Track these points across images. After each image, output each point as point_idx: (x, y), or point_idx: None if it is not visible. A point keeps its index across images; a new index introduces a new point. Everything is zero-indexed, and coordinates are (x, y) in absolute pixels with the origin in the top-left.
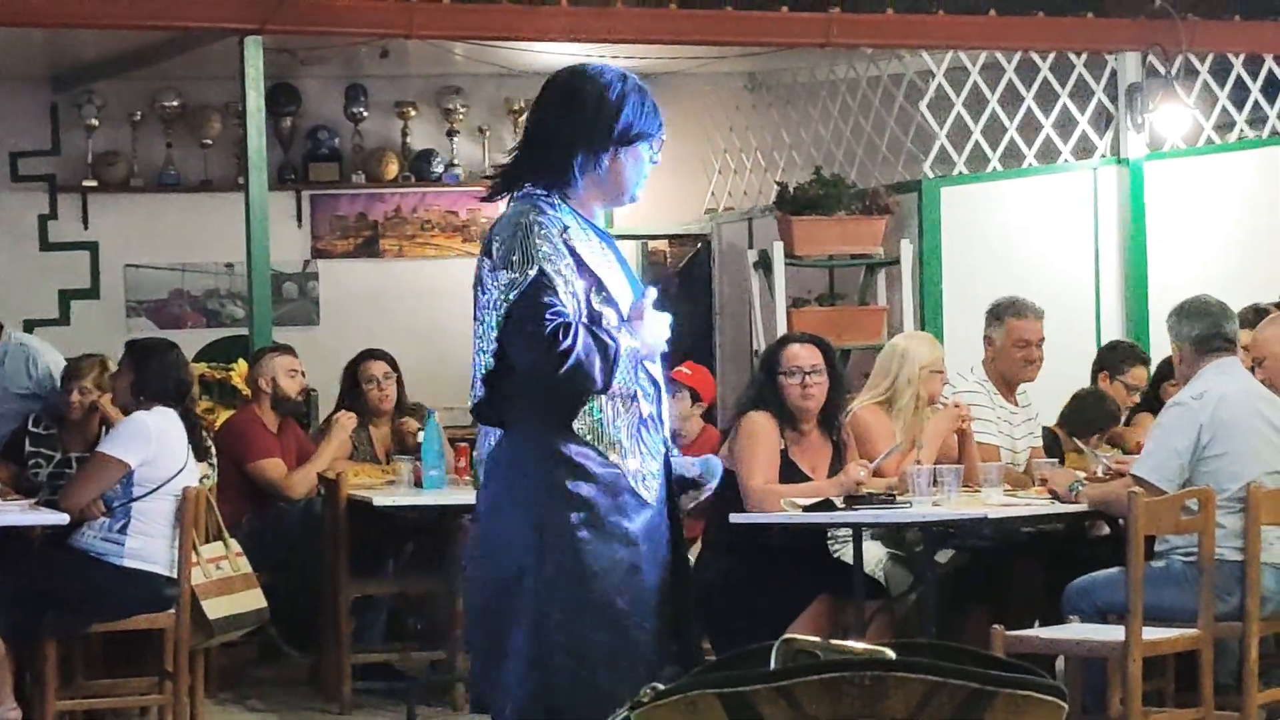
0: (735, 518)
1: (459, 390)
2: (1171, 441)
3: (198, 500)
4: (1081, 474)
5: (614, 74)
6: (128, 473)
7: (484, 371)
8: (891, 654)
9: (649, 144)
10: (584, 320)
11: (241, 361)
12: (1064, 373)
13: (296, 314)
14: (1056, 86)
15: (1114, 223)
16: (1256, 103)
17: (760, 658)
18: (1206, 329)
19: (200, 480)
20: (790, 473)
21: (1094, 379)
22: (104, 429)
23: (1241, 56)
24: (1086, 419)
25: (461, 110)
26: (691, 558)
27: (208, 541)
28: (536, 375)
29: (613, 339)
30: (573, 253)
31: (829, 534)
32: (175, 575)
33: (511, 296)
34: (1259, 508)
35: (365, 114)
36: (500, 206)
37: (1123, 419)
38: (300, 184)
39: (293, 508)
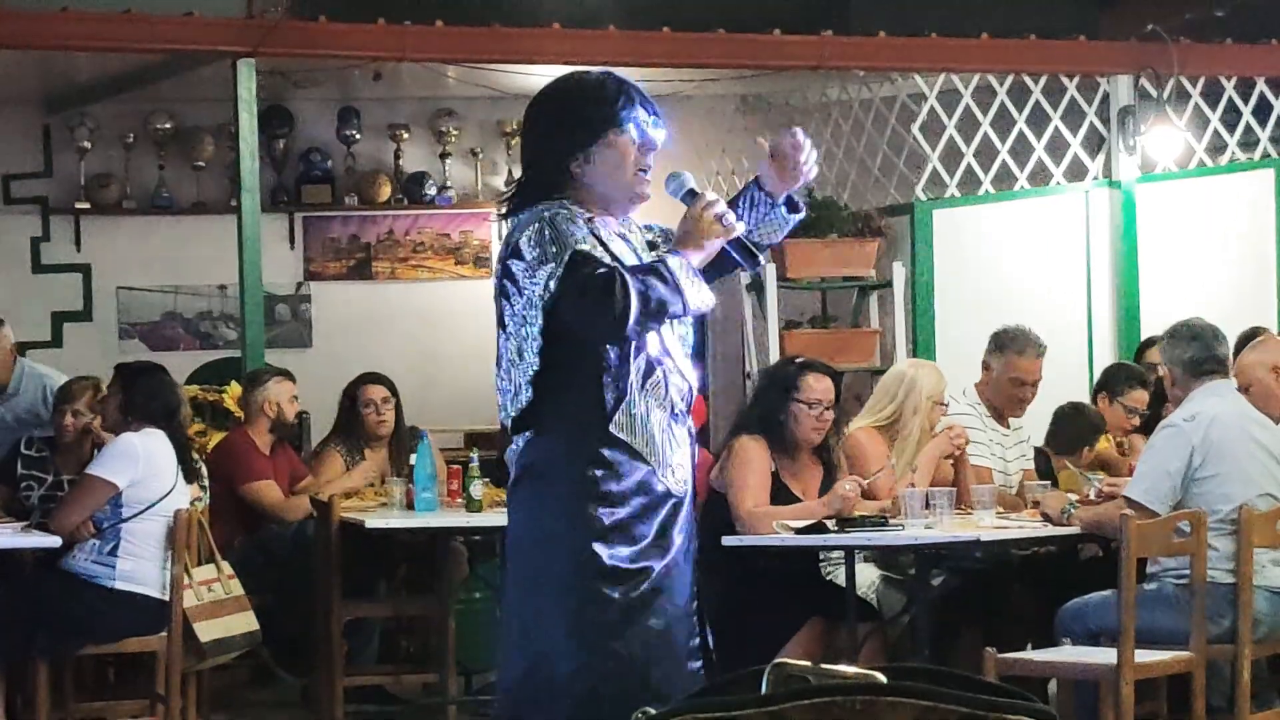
0: (728, 540)
1: (453, 412)
2: (1163, 463)
3: (190, 522)
4: (1074, 496)
5: (575, 76)
6: (116, 494)
7: (532, 373)
8: (883, 678)
9: (625, 134)
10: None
11: (234, 384)
12: (1056, 395)
13: (289, 336)
14: (1049, 109)
15: (1106, 245)
16: (1248, 125)
17: (752, 682)
18: (1198, 352)
19: (192, 502)
20: (782, 495)
21: (1094, 400)
22: (96, 451)
23: (1233, 80)
24: (1069, 435)
25: (454, 133)
26: None
27: (200, 564)
28: (615, 333)
29: (658, 260)
30: (599, 240)
31: (821, 556)
32: (167, 597)
33: (553, 286)
34: (1251, 530)
35: (358, 136)
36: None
37: (1121, 441)
38: (293, 206)
39: (285, 530)
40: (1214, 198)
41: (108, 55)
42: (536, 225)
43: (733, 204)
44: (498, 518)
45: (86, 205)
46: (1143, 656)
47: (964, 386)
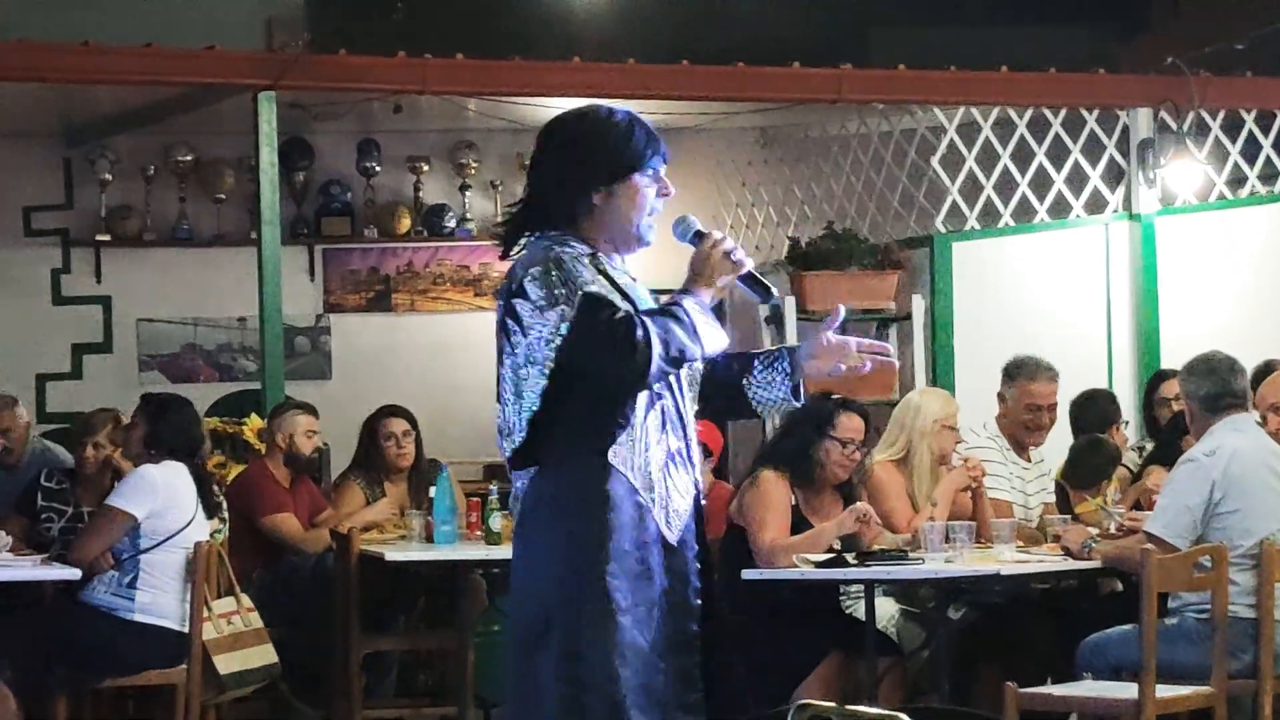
0: (747, 574)
1: (472, 445)
2: (1184, 498)
3: (209, 555)
4: (1094, 531)
5: (603, 110)
6: (134, 525)
7: (529, 414)
8: (905, 718)
9: (646, 176)
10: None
11: (254, 416)
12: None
13: (309, 368)
14: (1068, 142)
15: (1126, 278)
16: (1268, 158)
17: None
18: (1214, 387)
19: (212, 535)
20: (802, 530)
21: (1104, 432)
22: (116, 483)
23: (1253, 112)
24: (1089, 468)
25: (474, 165)
26: None
27: (219, 596)
28: (636, 382)
29: (674, 303)
30: (609, 279)
31: (841, 590)
32: (186, 630)
33: (564, 330)
34: (1272, 565)
35: (378, 169)
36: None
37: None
38: (313, 238)
39: (304, 562)
40: (1234, 230)
41: (129, 88)
42: (542, 265)
43: (754, 356)
44: None
45: (107, 237)
46: (1164, 692)
47: (984, 420)
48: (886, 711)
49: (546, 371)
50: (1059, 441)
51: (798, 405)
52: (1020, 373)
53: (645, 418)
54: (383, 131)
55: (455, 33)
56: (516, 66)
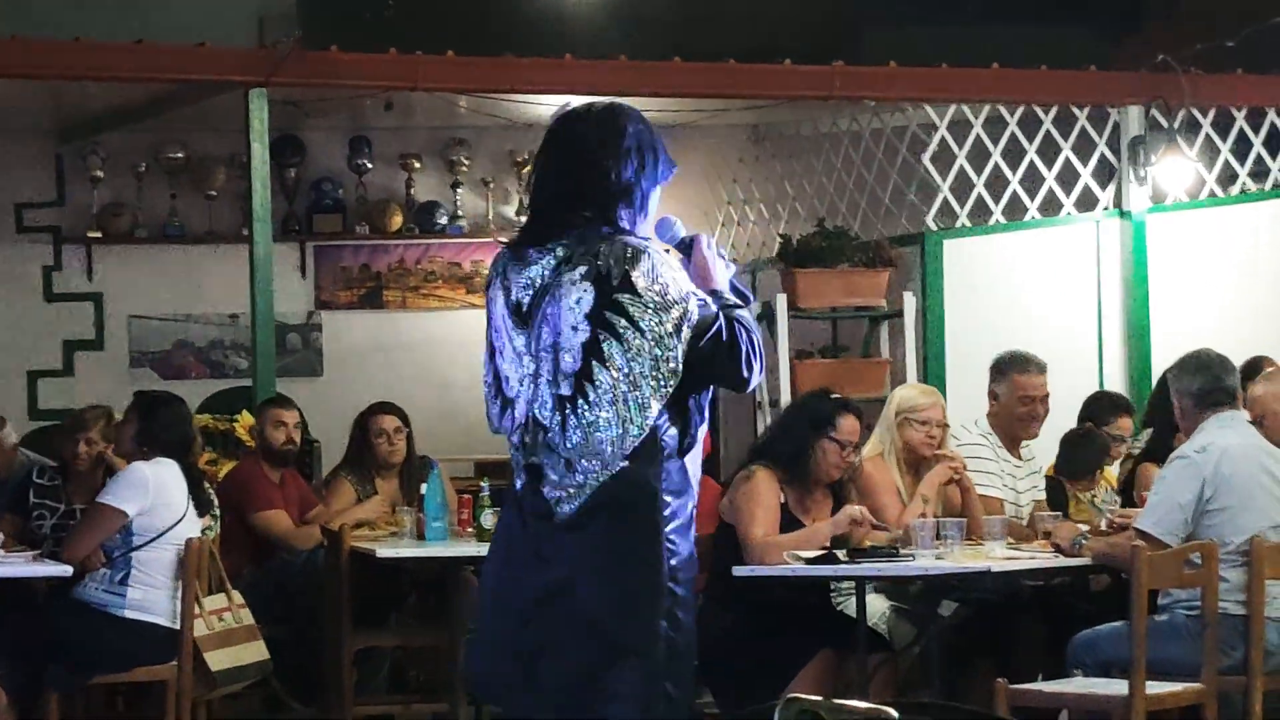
0: (738, 570)
1: (463, 441)
2: (1174, 495)
3: (200, 552)
4: (1085, 528)
5: (639, 114)
6: (126, 522)
7: (648, 408)
8: (895, 713)
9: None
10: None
11: (245, 413)
12: (1067, 425)
13: (300, 365)
14: (1059, 140)
15: (1117, 275)
16: (1259, 156)
17: (764, 717)
18: (1206, 384)
19: (203, 532)
20: (791, 527)
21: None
22: (108, 479)
23: (1244, 110)
24: (1080, 460)
25: (466, 162)
26: None
27: (210, 593)
28: (742, 385)
29: (735, 306)
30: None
31: (832, 587)
32: (178, 627)
33: (685, 331)
34: (1262, 562)
35: (369, 166)
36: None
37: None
38: (304, 235)
39: (295, 559)
40: (1225, 228)
41: (120, 85)
42: (649, 260)
43: None
44: None
45: (98, 234)
46: (1154, 688)
47: (975, 417)
48: (873, 705)
49: (674, 369)
50: (1049, 440)
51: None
52: (1011, 367)
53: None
54: (374, 128)
55: (446, 30)
56: (508, 63)
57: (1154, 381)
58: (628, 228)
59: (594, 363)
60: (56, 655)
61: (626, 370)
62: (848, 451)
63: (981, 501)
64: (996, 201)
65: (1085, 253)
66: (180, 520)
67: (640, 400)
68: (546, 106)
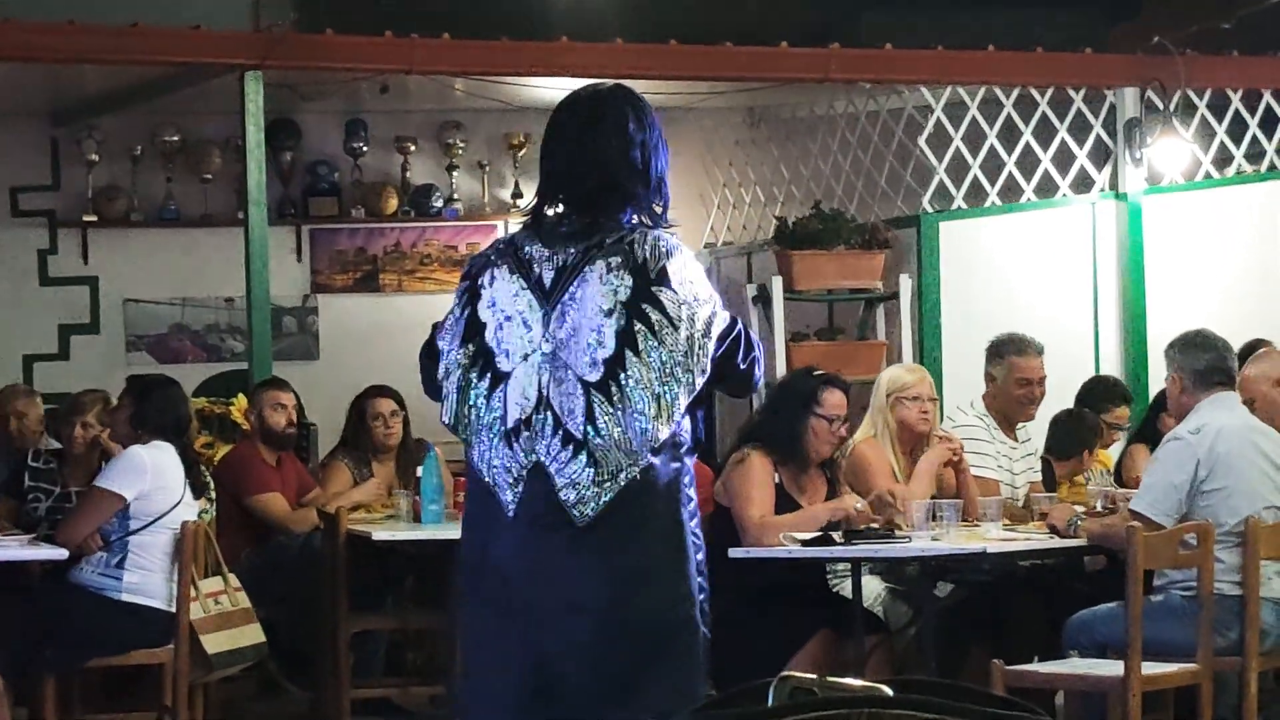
0: (734, 552)
1: None
2: (1169, 476)
3: (197, 535)
4: (1080, 509)
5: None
6: (123, 506)
7: (678, 402)
8: (889, 691)
9: None
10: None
11: (241, 396)
12: (1062, 408)
13: (296, 348)
14: (1055, 122)
15: (1112, 257)
16: (1254, 138)
17: (757, 695)
18: (1211, 362)
19: (199, 515)
20: (787, 508)
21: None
22: (103, 463)
23: (1239, 92)
24: (1069, 440)
25: (461, 145)
26: None
27: (206, 576)
28: (753, 383)
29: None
30: None
31: (828, 569)
32: (174, 610)
33: (714, 329)
34: (1258, 542)
35: (365, 149)
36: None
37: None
38: (300, 219)
39: (292, 542)
40: (1221, 210)
41: (115, 68)
42: (681, 257)
43: None
44: None
45: (94, 218)
46: (1150, 669)
47: (971, 399)
48: (868, 683)
49: (704, 368)
50: (1044, 423)
51: None
52: (1008, 349)
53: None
54: (370, 111)
55: (442, 13)
56: (503, 47)
57: (1150, 363)
58: (661, 218)
59: (628, 351)
60: (52, 638)
61: (661, 364)
62: (836, 426)
63: (977, 483)
64: (992, 184)
65: (1081, 235)
66: (177, 504)
67: (673, 395)
68: (542, 89)
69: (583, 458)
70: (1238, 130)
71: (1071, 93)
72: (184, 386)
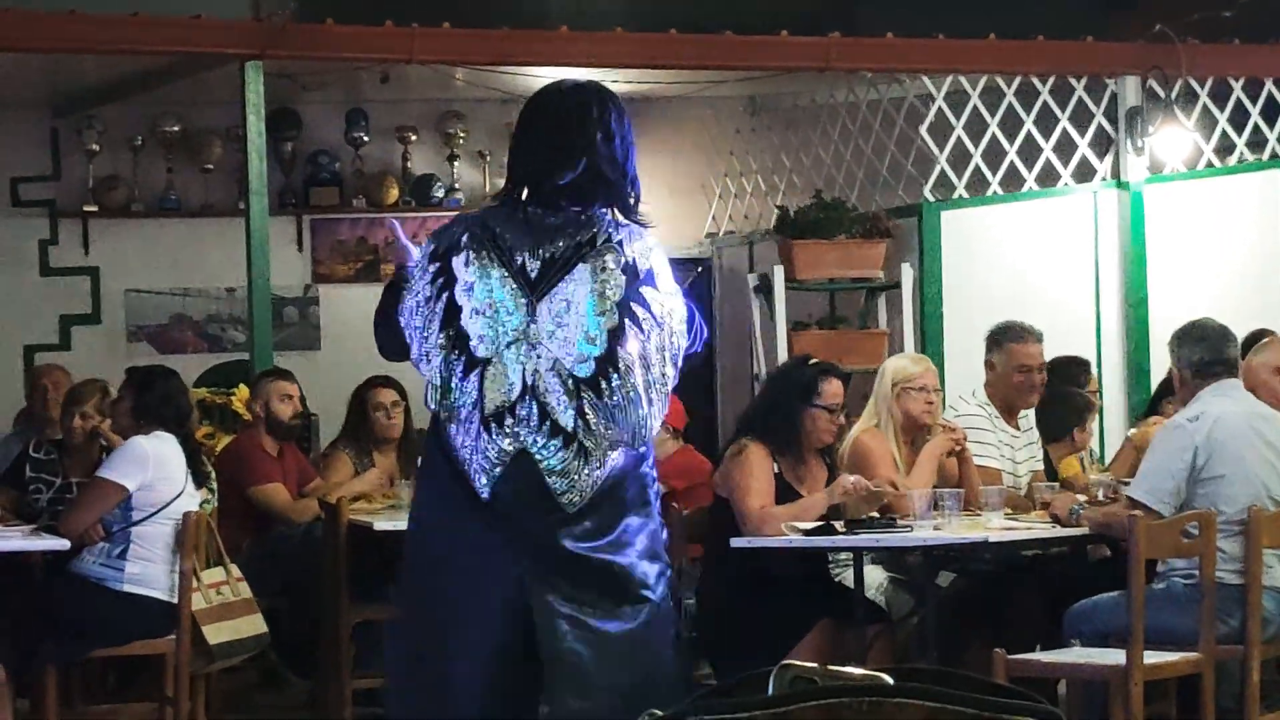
0: (736, 542)
1: None
2: (1166, 464)
3: (198, 525)
4: (1083, 498)
5: None
6: (125, 497)
7: (667, 393)
8: (890, 680)
9: None
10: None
11: (242, 386)
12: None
13: (297, 338)
14: (1056, 110)
15: (1114, 246)
16: (1256, 126)
17: (758, 684)
18: (1206, 354)
19: (201, 505)
20: (787, 497)
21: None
22: (104, 454)
23: (1241, 80)
24: (1059, 422)
25: (462, 135)
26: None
27: (208, 566)
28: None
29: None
30: None
31: (830, 558)
32: (175, 600)
33: (685, 324)
34: (1260, 531)
35: (366, 139)
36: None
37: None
38: (301, 209)
39: (293, 533)
40: (1222, 198)
41: (115, 58)
42: (661, 254)
43: None
44: None
45: (94, 208)
46: (1152, 658)
47: (973, 388)
48: (869, 672)
49: (679, 362)
50: None
51: None
52: (1007, 337)
53: None
54: (370, 101)
55: (442, 2)
56: (504, 36)
57: (1152, 351)
58: (634, 211)
59: (619, 349)
60: (54, 629)
61: (651, 360)
62: (835, 416)
63: (979, 472)
64: (994, 172)
65: (1083, 223)
66: (179, 494)
67: (663, 388)
68: (543, 79)
69: (573, 449)
70: (1239, 119)
71: (1073, 81)
72: (185, 377)
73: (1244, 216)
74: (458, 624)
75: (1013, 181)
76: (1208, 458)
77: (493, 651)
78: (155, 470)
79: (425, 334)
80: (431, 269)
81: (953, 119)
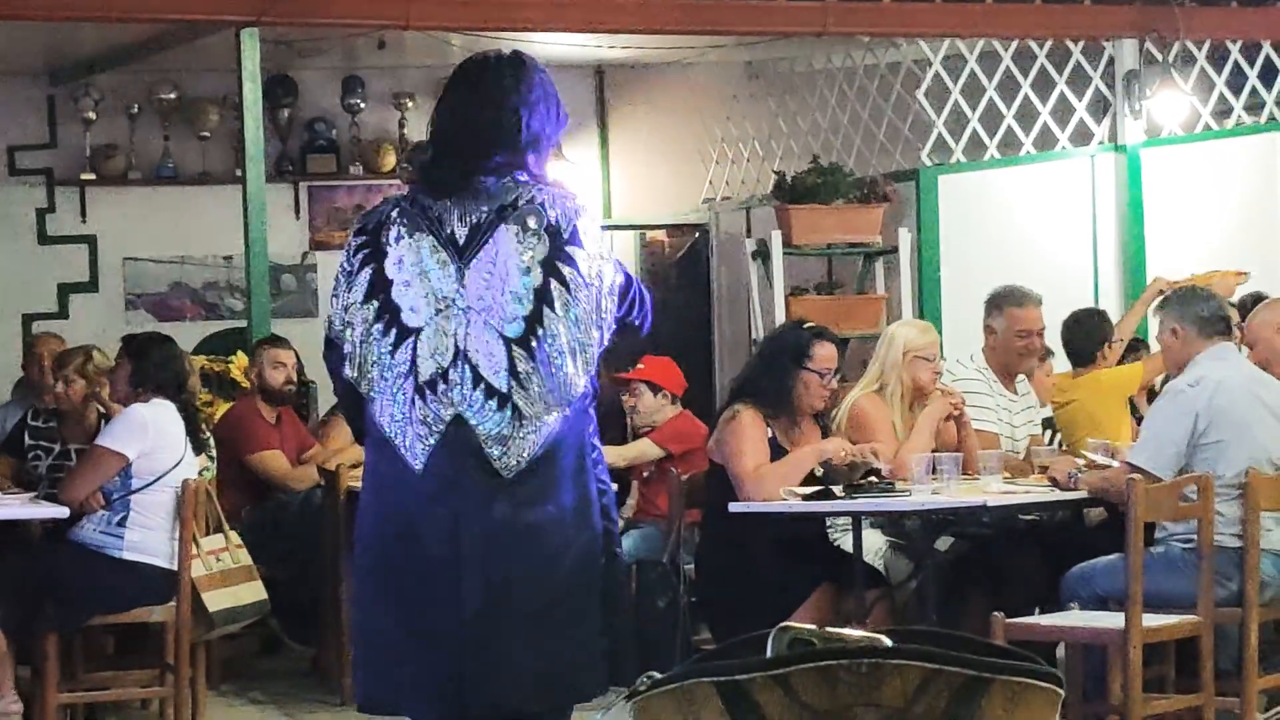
0: (735, 506)
1: None
2: (1167, 430)
3: (197, 492)
4: (1081, 461)
5: (541, 65)
6: (125, 465)
7: (595, 359)
8: (888, 641)
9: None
10: None
11: (240, 354)
12: (1062, 359)
13: (295, 306)
14: (1054, 74)
15: (1112, 209)
16: (1254, 89)
17: (757, 646)
18: (1214, 310)
19: (200, 472)
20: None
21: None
22: (103, 421)
23: (1239, 43)
24: (1088, 337)
25: None
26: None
27: (208, 534)
28: (646, 332)
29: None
30: None
31: (828, 523)
32: (175, 568)
33: (617, 285)
34: (1258, 493)
35: (362, 105)
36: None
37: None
38: (298, 176)
39: (292, 499)
40: (1220, 161)
41: (111, 26)
42: (589, 217)
43: None
44: None
45: (92, 176)
46: (1150, 620)
47: (971, 353)
48: (866, 633)
49: (609, 324)
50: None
51: None
52: (1007, 301)
53: None
54: (367, 68)
55: None
56: (500, 2)
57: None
58: (537, 174)
59: (545, 308)
60: (54, 596)
61: (577, 319)
62: (827, 380)
63: (977, 436)
64: (991, 136)
65: (1080, 187)
66: (179, 462)
67: (589, 349)
68: (540, 44)
69: (507, 411)
70: (1237, 81)
71: (1070, 45)
72: (183, 344)
73: (1241, 179)
74: (395, 595)
75: (1010, 145)
76: (1209, 423)
77: (432, 620)
78: (154, 438)
79: (345, 304)
80: (355, 243)
81: (950, 83)
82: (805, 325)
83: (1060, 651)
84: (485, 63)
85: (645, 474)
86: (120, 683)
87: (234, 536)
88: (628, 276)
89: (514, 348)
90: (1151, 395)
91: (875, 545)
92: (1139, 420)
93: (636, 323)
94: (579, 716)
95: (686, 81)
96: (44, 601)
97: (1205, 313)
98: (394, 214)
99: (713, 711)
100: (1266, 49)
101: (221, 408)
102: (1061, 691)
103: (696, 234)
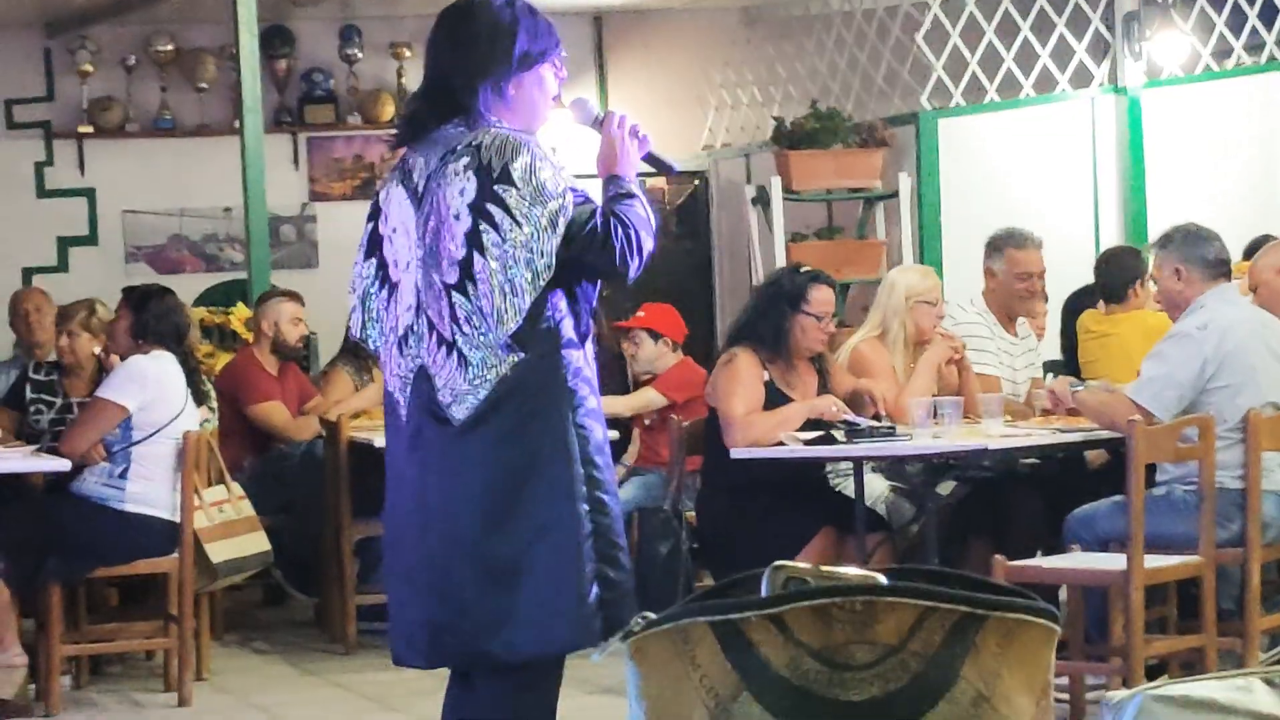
0: (736, 452)
1: None
2: (1173, 372)
3: (199, 444)
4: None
5: (500, 1)
6: (126, 417)
7: (529, 303)
8: (883, 579)
9: (550, 64)
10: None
11: (241, 305)
12: (1056, 304)
13: (295, 257)
14: (1053, 15)
15: (1112, 152)
16: (1254, 29)
17: (751, 585)
18: (1218, 251)
19: (201, 424)
20: (780, 403)
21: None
22: (104, 374)
23: None
24: (1122, 273)
25: None
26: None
27: (210, 485)
28: (622, 272)
29: (631, 195)
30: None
31: (829, 468)
32: (178, 519)
33: (561, 225)
34: (1259, 434)
35: (360, 55)
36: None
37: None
38: (296, 127)
39: (294, 451)
40: (1220, 103)
41: None
42: (527, 156)
43: None
44: None
45: (89, 129)
46: (1152, 562)
47: (971, 297)
48: (862, 572)
49: (548, 263)
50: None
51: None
52: (1008, 243)
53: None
54: (364, 17)
55: None
56: None
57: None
58: (483, 113)
59: (474, 252)
60: (56, 549)
61: (503, 261)
62: (825, 323)
63: (979, 380)
64: (991, 80)
65: (1080, 129)
66: (180, 414)
67: (516, 291)
68: None
69: (454, 358)
70: (1237, 21)
71: None
72: (183, 296)
73: (1242, 120)
74: (395, 539)
75: (1010, 88)
76: (1217, 367)
77: (408, 568)
78: (155, 389)
79: (355, 265)
80: (371, 207)
81: (949, 26)
82: (802, 269)
83: (1063, 594)
84: (442, 14)
85: (647, 421)
86: (124, 634)
87: (236, 488)
88: (592, 213)
89: (453, 294)
90: None
91: (877, 490)
92: None
93: (597, 264)
94: (574, 661)
95: (684, 28)
96: (47, 554)
97: (1210, 254)
98: (394, 173)
99: (708, 650)
100: None
101: (222, 359)
102: (1057, 628)
103: (696, 181)
